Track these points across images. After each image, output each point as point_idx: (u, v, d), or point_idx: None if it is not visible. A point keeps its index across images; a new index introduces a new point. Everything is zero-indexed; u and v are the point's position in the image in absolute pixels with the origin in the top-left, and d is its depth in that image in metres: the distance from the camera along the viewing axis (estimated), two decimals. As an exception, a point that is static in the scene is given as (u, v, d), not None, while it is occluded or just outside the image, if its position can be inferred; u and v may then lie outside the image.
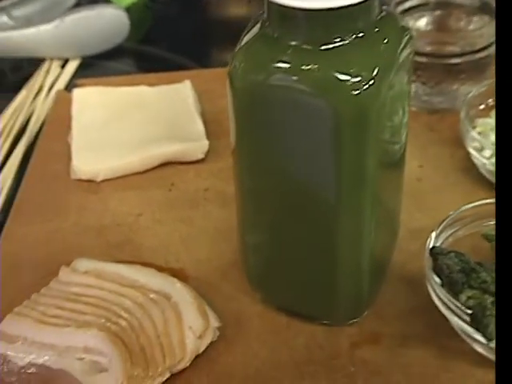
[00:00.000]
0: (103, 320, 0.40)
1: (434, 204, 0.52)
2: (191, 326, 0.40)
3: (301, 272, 0.41)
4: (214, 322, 0.41)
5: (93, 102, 0.64)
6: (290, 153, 0.37)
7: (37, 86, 0.71)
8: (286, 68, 0.35)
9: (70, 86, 0.71)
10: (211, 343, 0.41)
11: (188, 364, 0.40)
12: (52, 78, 0.73)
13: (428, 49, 0.58)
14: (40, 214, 0.54)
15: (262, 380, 0.40)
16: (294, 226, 0.40)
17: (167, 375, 0.40)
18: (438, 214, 0.45)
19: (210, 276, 0.47)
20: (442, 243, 0.43)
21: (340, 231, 0.38)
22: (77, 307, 0.41)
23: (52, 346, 0.39)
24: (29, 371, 0.39)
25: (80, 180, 0.57)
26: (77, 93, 0.65)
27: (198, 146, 0.59)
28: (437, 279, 0.41)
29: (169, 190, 0.57)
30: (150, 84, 0.66)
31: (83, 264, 0.44)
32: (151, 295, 0.42)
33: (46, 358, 0.39)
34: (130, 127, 0.61)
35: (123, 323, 0.40)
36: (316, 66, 0.34)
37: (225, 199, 0.55)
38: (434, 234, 0.43)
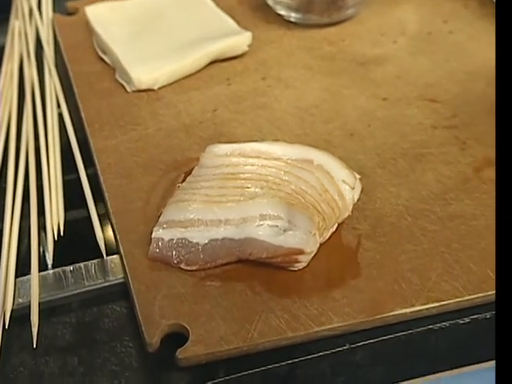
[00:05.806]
0: (267, 189, 0.43)
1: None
2: (344, 180, 0.44)
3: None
4: (356, 174, 0.45)
5: (113, 18, 0.64)
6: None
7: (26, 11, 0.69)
8: None
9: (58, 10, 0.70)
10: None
11: (350, 213, 0.44)
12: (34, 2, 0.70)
13: None
14: (117, 128, 0.54)
15: (413, 213, 0.45)
16: None
17: (335, 226, 0.44)
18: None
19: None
20: None
21: None
22: (238, 184, 0.44)
23: (226, 220, 0.42)
24: (212, 246, 0.42)
25: (138, 91, 0.58)
26: (90, 11, 0.65)
27: (243, 39, 0.61)
28: None
29: (228, 85, 0.59)
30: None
31: (220, 149, 0.46)
32: (295, 163, 0.45)
33: (225, 231, 0.42)
34: (166, 35, 0.62)
35: (286, 189, 0.43)
36: None
37: (286, 82, 0.59)
38: None
